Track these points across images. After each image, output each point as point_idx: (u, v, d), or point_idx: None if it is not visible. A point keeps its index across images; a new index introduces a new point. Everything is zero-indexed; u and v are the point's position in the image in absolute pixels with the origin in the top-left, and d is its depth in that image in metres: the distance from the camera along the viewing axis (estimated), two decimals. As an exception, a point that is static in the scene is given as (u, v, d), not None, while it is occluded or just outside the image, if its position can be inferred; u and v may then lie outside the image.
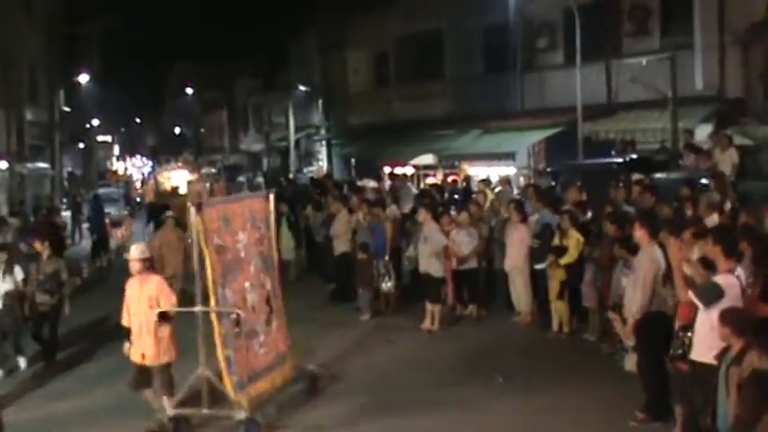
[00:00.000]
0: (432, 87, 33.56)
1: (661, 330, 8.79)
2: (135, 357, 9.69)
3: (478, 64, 31.40)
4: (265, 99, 58.74)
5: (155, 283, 9.72)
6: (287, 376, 10.47)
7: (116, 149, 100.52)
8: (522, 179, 24.09)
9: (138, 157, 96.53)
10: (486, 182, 21.53)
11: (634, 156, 19.38)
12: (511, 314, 14.56)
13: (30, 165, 36.68)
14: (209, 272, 9.18)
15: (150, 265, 9.95)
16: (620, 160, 18.89)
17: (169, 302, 9.65)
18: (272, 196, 10.89)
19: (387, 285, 15.58)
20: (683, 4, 23.43)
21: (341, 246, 16.89)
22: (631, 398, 9.39)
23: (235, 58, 66.05)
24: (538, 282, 13.82)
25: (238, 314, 9.39)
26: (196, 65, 76.00)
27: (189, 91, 78.07)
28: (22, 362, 12.93)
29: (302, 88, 46.06)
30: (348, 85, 40.32)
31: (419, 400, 10.50)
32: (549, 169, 22.76)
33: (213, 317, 9.20)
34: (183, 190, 32.16)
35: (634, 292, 9.29)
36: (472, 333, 13.99)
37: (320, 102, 44.90)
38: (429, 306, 14.26)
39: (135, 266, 9.76)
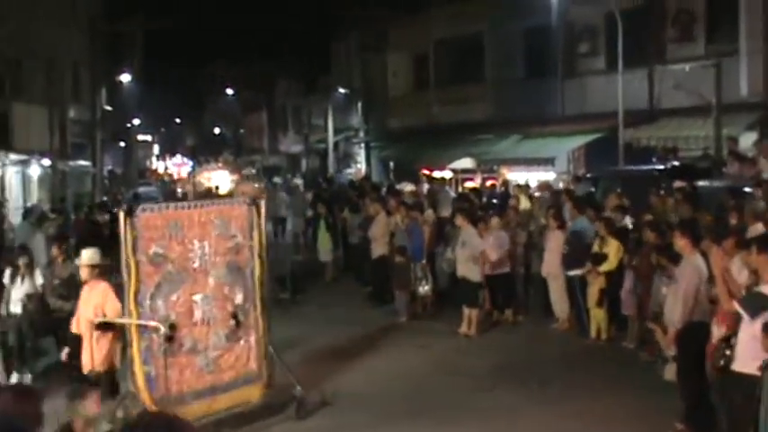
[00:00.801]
0: (472, 91, 33.43)
1: (702, 340, 8.66)
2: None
3: (519, 68, 31.23)
4: (305, 101, 58.90)
5: (101, 290, 9.22)
6: (255, 397, 9.69)
7: (156, 149, 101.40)
8: (561, 185, 23.92)
9: (179, 156, 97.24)
10: (523, 187, 21.41)
11: (676, 163, 19.17)
12: (549, 320, 14.47)
13: (71, 162, 37.04)
14: (132, 281, 8.59)
15: (101, 271, 9.37)
16: (662, 167, 18.69)
17: (114, 312, 9.06)
18: (262, 203, 10.00)
19: (424, 289, 15.57)
20: (728, 10, 23.12)
21: (378, 248, 16.89)
22: (671, 408, 9.28)
23: (275, 59, 66.42)
24: (572, 288, 13.74)
25: (172, 327, 8.76)
26: (236, 66, 76.45)
27: (229, 92, 78.51)
28: (27, 379, 11.83)
29: (342, 91, 46.12)
30: (388, 89, 40.31)
31: (454, 405, 10.45)
32: (588, 175, 22.59)
33: (132, 329, 8.66)
34: (223, 190, 32.36)
35: (675, 301, 9.18)
36: (509, 338, 13.92)
37: (359, 104, 44.94)
38: (466, 310, 14.20)
39: (83, 273, 9.38)
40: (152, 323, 8.65)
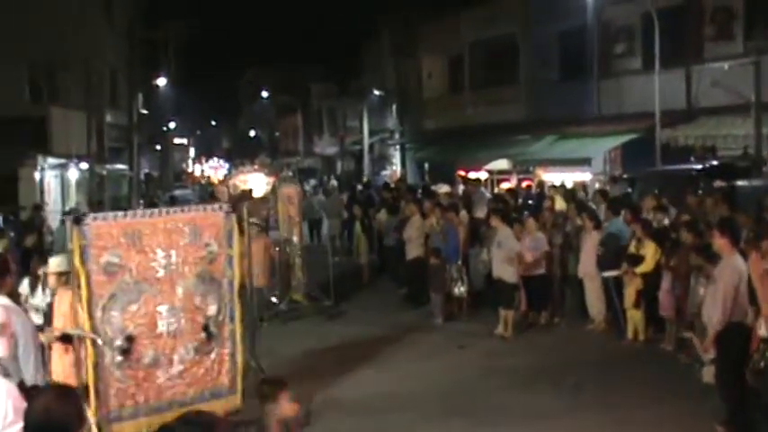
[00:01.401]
0: (506, 92, 33.37)
1: (741, 342, 8.59)
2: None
3: (554, 69, 31.11)
4: (340, 103, 59.08)
5: (68, 299, 8.52)
6: (222, 412, 8.82)
7: (192, 152, 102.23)
8: (597, 185, 23.79)
9: (215, 159, 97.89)
10: (559, 188, 21.31)
11: (715, 162, 18.99)
12: (585, 322, 14.40)
13: (109, 166, 37.48)
14: (83, 292, 8.12)
15: (68, 279, 8.55)
16: (700, 167, 18.53)
17: (75, 322, 8.36)
18: (240, 212, 9.77)
19: (459, 290, 15.54)
20: (766, 6, 22.89)
21: (414, 250, 16.91)
22: (710, 411, 9.19)
23: (310, 62, 66.80)
24: (608, 290, 13.67)
25: (129, 339, 8.35)
26: (271, 69, 76.91)
27: (264, 94, 78.93)
28: None
29: (376, 93, 46.20)
30: (422, 90, 40.36)
31: (490, 406, 10.44)
32: (625, 176, 22.45)
33: (88, 342, 8.14)
34: (258, 193, 32.41)
35: (714, 302, 9.08)
36: (545, 340, 13.87)
37: (394, 106, 45.00)
38: (502, 312, 14.17)
39: (50, 281, 8.98)
40: (90, 334, 8.13)
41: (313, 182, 43.85)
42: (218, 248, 9.07)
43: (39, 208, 24.23)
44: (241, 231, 9.45)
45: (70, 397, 4.13)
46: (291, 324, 15.50)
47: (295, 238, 17.19)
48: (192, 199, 40.21)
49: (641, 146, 24.74)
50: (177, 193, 44.09)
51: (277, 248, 16.66)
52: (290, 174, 42.51)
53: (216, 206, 9.32)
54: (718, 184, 15.18)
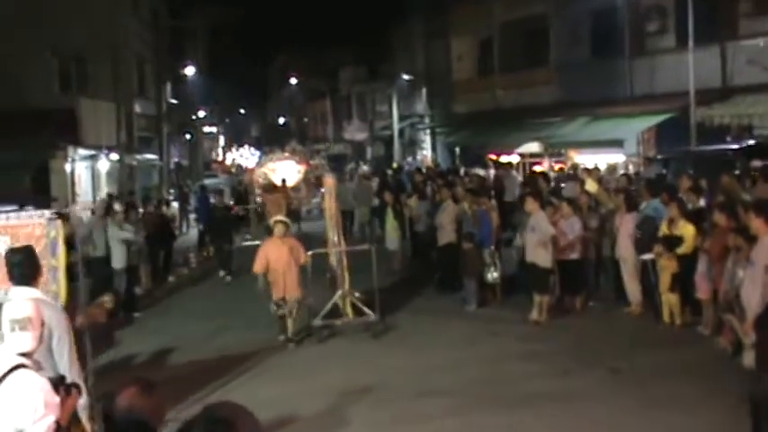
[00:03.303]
0: (538, 74, 33.15)
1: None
2: None
3: (585, 49, 30.84)
4: (369, 88, 59.03)
5: None
6: None
7: (221, 140, 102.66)
8: (630, 167, 23.59)
9: (246, 147, 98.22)
10: (591, 170, 21.17)
11: (751, 142, 18.76)
12: (621, 305, 14.32)
13: (138, 156, 37.77)
14: None
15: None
16: (737, 146, 18.31)
17: None
18: (69, 216, 8.72)
19: (493, 276, 15.52)
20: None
21: (446, 236, 16.89)
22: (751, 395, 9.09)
23: (338, 46, 66.64)
24: (645, 272, 13.58)
25: None
26: (299, 54, 76.97)
27: (292, 81, 79.04)
28: None
29: (405, 77, 46.10)
30: (452, 73, 40.18)
31: (527, 391, 10.43)
32: (659, 157, 22.27)
33: None
34: (290, 182, 32.43)
35: (753, 284, 8.98)
36: (581, 324, 13.82)
37: (424, 90, 44.88)
38: (536, 297, 14.13)
39: None
40: None
41: (351, 166, 43.86)
42: (40, 260, 7.53)
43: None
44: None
45: (152, 391, 4.17)
46: (330, 344, 13.74)
47: (336, 238, 15.03)
48: (224, 188, 40.39)
49: (675, 126, 24.49)
50: (207, 182, 44.17)
51: (309, 253, 14.20)
52: (323, 161, 42.63)
53: (38, 213, 8.34)
54: (755, 163, 14.98)
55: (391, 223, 20.18)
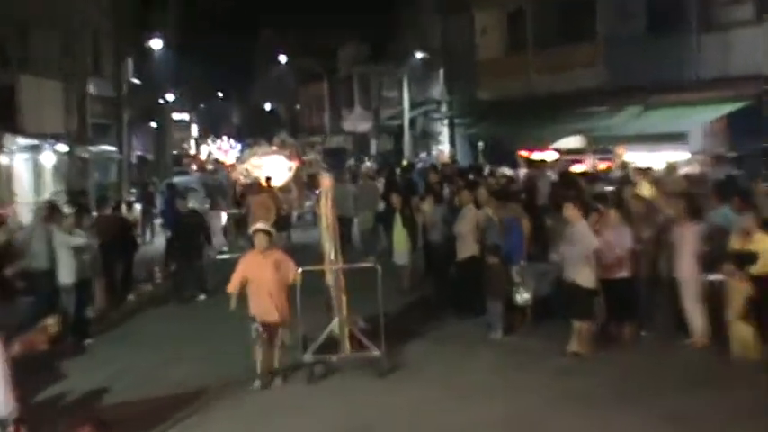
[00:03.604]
0: (579, 53, 33.09)
1: None
2: None
3: (640, 23, 30.76)
4: (374, 69, 59.12)
5: None
6: None
7: (195, 130, 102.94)
8: (694, 167, 23.51)
9: (225, 138, 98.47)
10: (644, 170, 21.07)
11: None
12: (680, 335, 14.25)
13: (92, 148, 37.74)
14: None
15: None
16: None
17: None
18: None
19: (523, 297, 15.46)
20: None
21: (466, 248, 16.82)
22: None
23: (337, 19, 66.69)
24: (711, 296, 13.51)
25: None
26: (290, 28, 77.12)
27: (282, 59, 79.11)
28: None
29: (419, 55, 46.11)
30: (475, 52, 40.09)
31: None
32: (730, 154, 22.20)
33: None
34: (277, 181, 32.41)
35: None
36: (629, 358, 13.75)
37: (441, 72, 44.87)
38: (576, 323, 14.08)
39: None
40: None
41: (352, 163, 43.83)
42: None
43: None
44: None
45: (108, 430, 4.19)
46: (323, 384, 13.46)
47: (333, 252, 14.20)
48: (196, 188, 40.34)
49: (750, 117, 24.43)
50: (177, 180, 44.25)
51: (300, 269, 13.71)
52: (319, 157, 42.64)
53: None
54: None
55: (400, 232, 20.14)
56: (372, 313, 14.24)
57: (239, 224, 28.95)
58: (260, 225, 14.30)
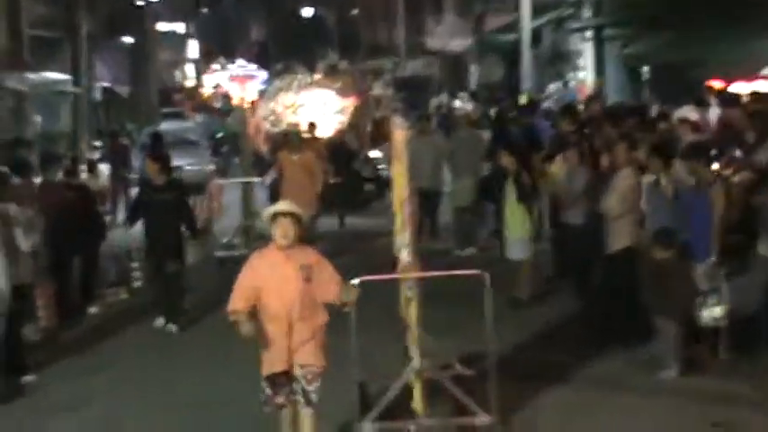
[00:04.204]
0: None
1: None
2: None
3: None
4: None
5: None
6: None
7: (193, 48, 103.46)
8: None
9: (242, 62, 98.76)
10: None
11: None
12: None
13: (32, 76, 38.03)
14: None
15: None
16: None
17: None
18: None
19: (713, 314, 15.32)
20: None
21: (622, 235, 16.79)
22: None
23: None
24: None
25: None
26: None
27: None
28: None
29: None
30: None
31: None
32: None
33: None
34: (323, 130, 32.38)
35: None
36: None
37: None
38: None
39: None
40: None
41: (440, 102, 43.87)
42: None
43: None
44: None
45: None
46: None
47: (409, 252, 13.38)
48: (196, 140, 40.49)
49: None
50: (166, 127, 44.46)
51: (356, 280, 12.63)
52: (389, 90, 42.63)
53: None
54: None
55: (514, 211, 20.05)
56: (475, 349, 14.10)
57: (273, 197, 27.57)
58: (283, 205, 12.97)
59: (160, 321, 20.03)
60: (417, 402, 12.94)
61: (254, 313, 12.07)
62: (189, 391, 15.89)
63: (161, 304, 20.41)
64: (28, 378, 16.66)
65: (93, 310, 21.17)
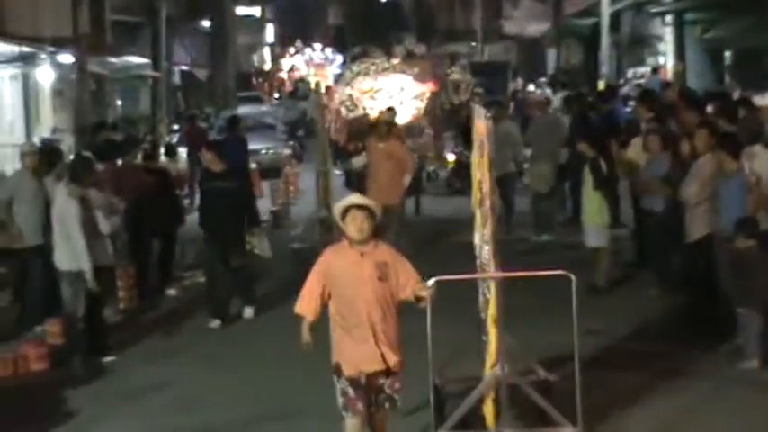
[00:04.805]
0: None
1: None
2: None
3: None
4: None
5: None
6: None
7: (270, 33, 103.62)
8: None
9: (318, 47, 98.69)
10: None
11: None
12: None
13: (114, 60, 38.16)
14: None
15: None
16: None
17: None
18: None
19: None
20: None
21: (702, 222, 16.62)
22: None
23: None
24: None
25: None
26: None
27: None
28: None
29: None
30: None
31: None
32: None
33: None
34: (403, 116, 32.26)
35: None
36: None
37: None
38: None
39: None
40: None
41: (517, 87, 43.61)
42: None
43: None
44: None
45: None
46: None
47: (489, 249, 12.91)
48: (273, 124, 40.48)
49: None
50: (243, 110, 44.46)
51: (431, 280, 12.00)
52: (467, 76, 42.46)
53: None
54: None
55: (592, 198, 19.91)
56: (559, 352, 13.91)
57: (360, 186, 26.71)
58: (355, 198, 12.37)
59: (215, 323, 19.49)
60: (489, 413, 12.43)
61: (317, 315, 11.77)
62: (262, 378, 15.93)
63: (214, 301, 19.91)
64: (109, 359, 16.83)
65: (171, 292, 21.31)
